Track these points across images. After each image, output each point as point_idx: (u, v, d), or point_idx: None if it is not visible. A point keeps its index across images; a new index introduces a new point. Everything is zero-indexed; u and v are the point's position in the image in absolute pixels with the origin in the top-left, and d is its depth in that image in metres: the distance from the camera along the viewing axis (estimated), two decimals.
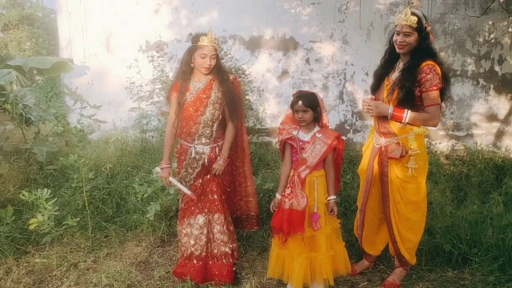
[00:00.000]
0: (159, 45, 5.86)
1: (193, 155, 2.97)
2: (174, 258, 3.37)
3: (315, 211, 2.75)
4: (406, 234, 2.85)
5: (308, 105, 2.74)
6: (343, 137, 5.91)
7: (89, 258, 3.36)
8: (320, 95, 6.05)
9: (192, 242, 3.00)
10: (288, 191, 2.76)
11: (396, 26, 2.70)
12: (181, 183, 3.02)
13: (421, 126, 2.72)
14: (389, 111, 2.66)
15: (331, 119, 5.99)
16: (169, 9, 6.12)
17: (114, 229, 3.72)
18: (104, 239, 3.65)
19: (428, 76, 2.58)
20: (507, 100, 5.51)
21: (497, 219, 3.50)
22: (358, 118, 5.92)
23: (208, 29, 3.02)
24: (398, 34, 2.66)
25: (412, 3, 5.02)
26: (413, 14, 2.61)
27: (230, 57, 5.42)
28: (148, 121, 5.54)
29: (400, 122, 2.68)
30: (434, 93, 2.60)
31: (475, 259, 3.11)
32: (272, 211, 2.86)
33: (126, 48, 6.01)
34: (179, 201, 3.19)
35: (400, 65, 2.76)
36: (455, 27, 5.48)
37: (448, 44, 5.51)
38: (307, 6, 5.83)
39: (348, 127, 5.95)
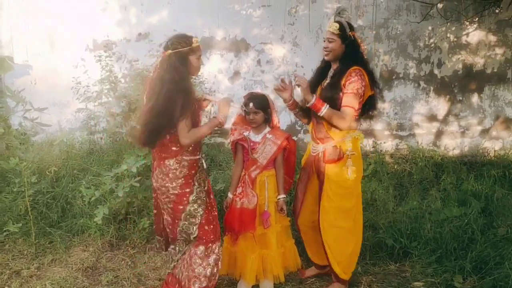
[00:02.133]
0: (107, 45, 5.72)
1: (205, 166, 2.69)
2: (123, 262, 3.31)
3: (265, 209, 2.81)
4: (333, 244, 2.76)
5: (259, 107, 2.81)
6: (294, 138, 6.06)
7: (32, 265, 3.23)
8: (272, 96, 6.13)
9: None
10: (239, 190, 2.81)
11: None
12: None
13: (334, 126, 2.70)
14: (312, 100, 2.65)
15: (282, 120, 6.08)
16: (117, 7, 5.97)
17: (59, 235, 3.59)
18: (49, 245, 3.52)
19: (353, 79, 2.62)
20: (445, 102, 5.84)
21: (435, 214, 3.72)
22: None
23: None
24: (324, 41, 2.80)
25: (344, 11, 5.28)
26: (336, 21, 2.75)
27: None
28: (97, 122, 5.39)
29: (317, 113, 2.67)
30: (351, 96, 2.62)
31: (415, 252, 3.29)
32: (225, 210, 2.90)
33: (72, 47, 5.80)
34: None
35: (331, 73, 2.82)
36: (398, 32, 5.75)
37: (392, 48, 5.77)
38: (257, 8, 5.90)
39: (299, 128, 6.07)
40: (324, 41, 2.79)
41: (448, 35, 5.74)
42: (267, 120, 2.90)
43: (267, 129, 2.88)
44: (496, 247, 3.23)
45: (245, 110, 2.83)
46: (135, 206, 3.81)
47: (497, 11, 5.48)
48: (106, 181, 3.58)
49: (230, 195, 2.89)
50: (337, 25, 2.70)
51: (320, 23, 5.84)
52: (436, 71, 5.80)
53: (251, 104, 2.80)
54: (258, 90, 5.91)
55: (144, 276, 3.14)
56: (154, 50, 5.40)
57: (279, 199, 2.87)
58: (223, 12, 5.86)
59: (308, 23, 5.86)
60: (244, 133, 2.84)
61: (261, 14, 5.91)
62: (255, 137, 2.85)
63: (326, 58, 2.80)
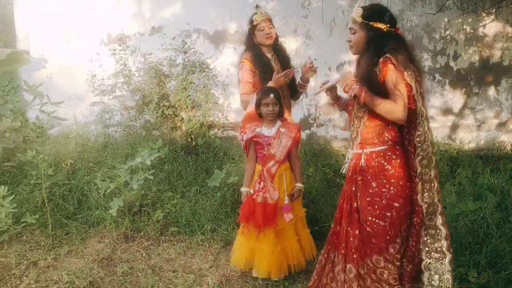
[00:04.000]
0: (121, 38, 5.77)
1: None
2: (137, 253, 3.36)
3: (285, 202, 2.83)
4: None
5: (278, 98, 2.83)
6: (307, 131, 6.06)
7: (49, 256, 3.30)
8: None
9: None
10: (260, 186, 2.81)
11: None
12: None
13: None
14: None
15: (294, 113, 6.05)
16: (131, 1, 6.00)
17: (76, 226, 3.66)
18: (65, 236, 3.58)
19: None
20: (461, 95, 5.75)
21: (450, 208, 3.68)
22: (321, 112, 6.03)
23: None
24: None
25: None
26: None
27: (194, 51, 5.40)
28: (111, 115, 5.46)
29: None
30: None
31: None
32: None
33: (87, 41, 5.85)
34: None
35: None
36: (413, 24, 5.67)
37: (407, 40, 5.67)
38: (271, 0, 5.87)
39: (312, 121, 6.05)
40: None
41: (465, 26, 5.63)
42: (280, 113, 2.91)
43: (279, 122, 2.88)
44: (511, 241, 3.19)
45: (261, 104, 2.83)
46: (149, 199, 3.86)
47: None
48: (120, 173, 3.63)
49: (245, 189, 2.89)
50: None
51: (334, 16, 5.79)
52: (452, 64, 5.71)
53: (271, 95, 2.81)
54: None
55: (158, 267, 3.18)
56: (167, 43, 5.43)
57: (296, 186, 2.90)
58: (235, 4, 5.84)
59: (321, 16, 5.81)
60: (256, 130, 2.85)
61: (274, 6, 5.87)
62: (268, 132, 2.86)
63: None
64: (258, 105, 2.86)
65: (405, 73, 2.14)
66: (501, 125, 5.75)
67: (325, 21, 5.83)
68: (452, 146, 5.59)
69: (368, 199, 2.27)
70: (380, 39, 2.19)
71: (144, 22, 6.02)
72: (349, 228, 2.35)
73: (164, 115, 5.19)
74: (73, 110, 5.79)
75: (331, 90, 2.53)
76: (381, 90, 2.18)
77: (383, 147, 2.27)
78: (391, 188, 2.23)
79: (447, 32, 5.68)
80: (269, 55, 3.18)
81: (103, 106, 5.48)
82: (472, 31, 5.63)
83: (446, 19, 5.63)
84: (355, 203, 2.34)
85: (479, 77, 5.70)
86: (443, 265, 2.21)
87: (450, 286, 2.20)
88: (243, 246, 2.92)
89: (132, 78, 5.42)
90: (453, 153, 5.36)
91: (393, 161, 2.25)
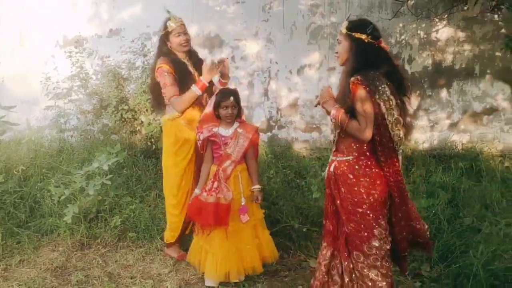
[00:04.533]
0: (78, 40, 5.62)
1: None
2: (94, 261, 3.27)
3: (242, 203, 2.83)
4: None
5: (237, 101, 2.84)
6: (269, 133, 6.10)
7: None
8: (246, 92, 6.17)
9: None
10: (214, 185, 2.80)
11: None
12: None
13: None
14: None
15: (256, 116, 6.13)
16: (88, 2, 5.87)
17: (28, 235, 3.52)
18: (16, 245, 3.44)
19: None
20: (415, 97, 5.96)
21: None
22: (282, 115, 6.09)
23: None
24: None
25: None
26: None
27: (154, 54, 5.31)
28: (67, 120, 5.30)
29: None
30: None
31: None
32: None
33: (42, 44, 5.68)
34: None
35: None
36: None
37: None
38: (232, 4, 5.88)
39: (273, 123, 6.10)
40: None
41: (419, 31, 5.85)
42: (238, 114, 2.93)
43: (236, 123, 2.90)
44: (461, 236, 3.33)
45: (221, 106, 2.83)
46: (106, 204, 3.77)
47: (465, 8, 5.62)
48: (76, 179, 3.52)
49: (197, 190, 2.87)
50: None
51: (294, 20, 5.87)
52: (407, 67, 5.90)
53: (231, 98, 2.82)
54: (232, 86, 5.89)
55: (115, 274, 3.11)
56: (126, 46, 5.33)
57: (254, 189, 2.90)
58: (197, 8, 5.82)
59: (282, 20, 5.88)
60: (214, 129, 2.85)
61: (235, 10, 5.89)
62: (225, 132, 2.87)
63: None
64: (216, 107, 2.86)
65: (376, 94, 2.23)
66: (453, 126, 6.00)
67: (286, 25, 5.90)
68: (407, 146, 5.78)
69: (338, 202, 2.42)
70: (361, 49, 2.30)
71: (102, 24, 5.90)
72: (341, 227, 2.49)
73: (123, 119, 5.09)
74: (27, 114, 5.60)
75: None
76: (354, 109, 2.29)
77: (349, 158, 2.38)
78: (354, 195, 2.35)
79: (402, 37, 5.88)
80: (184, 61, 3.16)
81: (58, 110, 5.31)
82: (425, 36, 5.86)
83: (401, 24, 5.83)
84: (334, 206, 2.49)
85: (432, 80, 5.93)
86: None
87: None
88: (196, 245, 2.90)
89: (89, 81, 5.29)
90: (408, 152, 5.55)
91: (356, 171, 2.36)
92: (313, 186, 3.95)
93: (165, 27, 3.08)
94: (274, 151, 5.56)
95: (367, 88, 2.22)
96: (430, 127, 6.00)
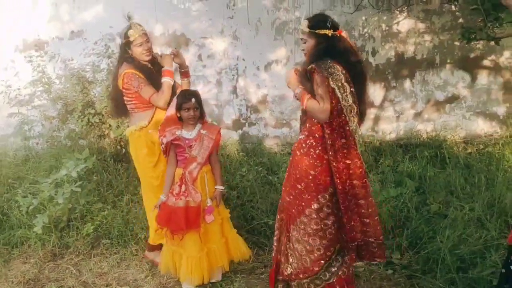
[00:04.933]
0: (38, 44, 5.46)
1: None
2: (67, 271, 3.21)
3: (208, 204, 2.84)
4: None
5: (199, 103, 2.83)
6: (240, 131, 6.12)
7: None
8: (214, 90, 6.14)
9: None
10: (182, 189, 2.80)
11: None
12: None
13: None
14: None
15: (226, 113, 6.14)
16: (47, 4, 5.69)
17: None
18: None
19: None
20: (381, 88, 6.12)
21: (374, 195, 3.83)
22: (252, 112, 6.12)
23: None
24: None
25: None
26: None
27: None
28: (31, 127, 5.14)
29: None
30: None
31: None
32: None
33: (1, 49, 5.47)
34: None
35: None
36: None
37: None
38: (196, 2, 5.84)
39: (244, 121, 6.12)
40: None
41: (380, 24, 5.99)
42: (201, 116, 2.91)
43: (199, 125, 2.89)
44: (429, 223, 3.46)
45: (182, 108, 2.81)
46: (77, 212, 3.70)
47: (424, 0, 5.79)
48: (44, 188, 3.45)
49: (163, 197, 2.84)
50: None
51: (259, 16, 5.89)
52: (371, 59, 6.05)
53: (193, 100, 2.80)
54: (200, 85, 5.88)
55: (90, 283, 3.07)
56: (90, 48, 5.21)
57: (218, 188, 2.93)
58: (160, 7, 5.74)
59: (247, 16, 5.89)
60: (177, 132, 2.83)
61: (200, 8, 5.86)
62: (188, 135, 2.85)
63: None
64: (178, 109, 2.83)
65: (330, 79, 2.35)
66: (417, 115, 6.19)
67: (251, 21, 5.91)
68: (375, 137, 5.93)
69: (286, 174, 2.69)
70: (327, 44, 2.44)
71: (63, 26, 5.75)
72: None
73: (90, 123, 4.98)
74: None
75: None
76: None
77: (301, 136, 2.58)
78: (296, 171, 2.55)
79: (365, 30, 6.01)
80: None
81: (21, 117, 5.16)
82: (387, 28, 6.01)
83: (363, 18, 5.95)
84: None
85: (395, 71, 6.10)
86: None
87: None
88: (168, 252, 2.89)
89: (52, 86, 5.14)
90: (376, 144, 5.70)
91: (302, 149, 2.55)
92: None
93: (126, 36, 2.97)
94: (245, 149, 5.59)
95: (321, 74, 2.36)
96: (396, 117, 6.17)
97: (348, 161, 2.44)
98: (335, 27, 2.48)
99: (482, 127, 6.26)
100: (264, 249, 3.40)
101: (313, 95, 2.45)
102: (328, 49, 2.43)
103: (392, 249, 3.22)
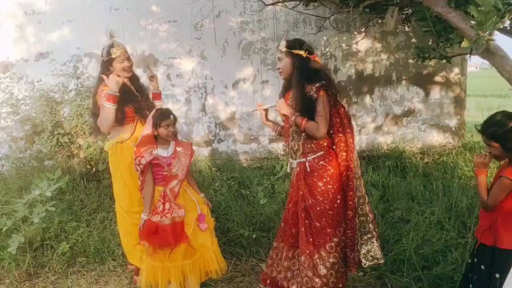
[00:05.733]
0: (5, 65, 5.40)
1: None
2: None
3: (199, 212, 2.92)
4: None
5: (175, 119, 2.93)
6: (209, 147, 6.25)
7: None
8: (183, 108, 6.25)
9: None
10: (166, 206, 2.84)
11: None
12: None
13: None
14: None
15: (195, 131, 6.26)
16: (12, 26, 5.67)
17: None
18: None
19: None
20: (344, 104, 6.43)
21: None
22: (221, 129, 6.27)
23: None
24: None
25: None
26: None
27: (88, 76, 5.27)
28: None
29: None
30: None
31: None
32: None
33: None
34: None
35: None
36: None
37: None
38: (163, 23, 5.99)
39: (213, 138, 6.26)
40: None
41: (341, 44, 6.36)
42: (175, 133, 2.99)
43: (172, 143, 2.95)
44: (394, 227, 3.70)
45: (162, 126, 2.87)
46: (51, 231, 3.68)
47: (380, 21, 6.21)
48: (18, 208, 3.41)
49: (144, 215, 2.87)
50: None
51: (226, 37, 6.11)
52: (333, 77, 6.37)
53: (171, 116, 2.89)
54: (169, 103, 5.98)
55: None
56: (58, 69, 5.23)
57: (203, 196, 3.04)
58: (128, 28, 5.84)
59: (214, 37, 6.09)
60: (154, 152, 2.86)
61: (168, 29, 6.01)
62: (165, 153, 2.90)
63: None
64: (156, 127, 2.87)
65: (331, 99, 2.64)
66: (378, 129, 6.56)
67: (218, 42, 6.12)
68: None
69: (317, 197, 2.64)
70: (302, 63, 2.66)
71: (29, 48, 5.74)
72: (301, 228, 2.70)
73: (59, 143, 4.96)
74: None
75: (266, 111, 2.96)
76: (312, 110, 2.61)
77: (322, 152, 2.67)
78: (335, 184, 2.64)
79: (327, 49, 6.35)
80: (128, 85, 3.19)
81: None
82: (347, 47, 6.38)
83: (325, 38, 6.30)
84: (303, 205, 2.69)
85: (356, 87, 6.46)
86: (373, 243, 2.69)
87: (379, 257, 2.70)
88: (149, 268, 2.90)
89: (19, 107, 5.09)
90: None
91: (331, 162, 2.66)
92: (259, 194, 4.14)
93: (109, 53, 3.05)
94: (216, 164, 5.71)
95: (328, 92, 2.61)
96: (358, 131, 6.50)
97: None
98: (310, 51, 2.71)
99: (436, 138, 6.70)
100: (241, 259, 3.51)
101: (307, 114, 2.59)
102: (303, 68, 2.64)
103: None
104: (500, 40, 3.12)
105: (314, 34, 5.98)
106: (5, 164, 5.28)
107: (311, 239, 2.66)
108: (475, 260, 2.37)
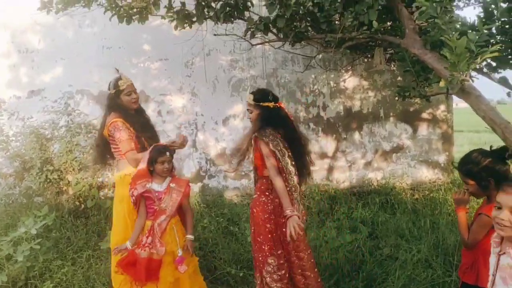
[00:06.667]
0: None
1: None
2: None
3: (179, 254, 2.92)
4: None
5: (172, 156, 2.98)
6: (200, 183, 6.24)
7: None
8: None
9: None
10: (148, 240, 2.87)
11: None
12: None
13: None
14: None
15: (186, 167, 6.28)
16: (6, 64, 5.78)
17: None
18: None
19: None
20: (332, 140, 6.53)
21: (331, 242, 4.11)
22: (212, 165, 6.30)
23: None
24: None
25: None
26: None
27: (78, 113, 5.34)
28: None
29: None
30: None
31: None
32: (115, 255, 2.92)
33: None
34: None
35: None
36: (286, 80, 6.38)
37: (282, 95, 6.36)
38: (155, 61, 6.13)
39: (203, 173, 6.27)
40: None
41: (329, 81, 6.51)
42: (171, 170, 3.05)
43: (168, 178, 3.01)
44: (382, 265, 3.68)
45: (158, 162, 2.93)
46: (36, 270, 3.62)
47: (365, 60, 6.39)
48: (2, 246, 3.38)
49: (128, 243, 2.90)
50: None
51: (216, 74, 6.25)
52: (322, 113, 6.49)
53: (168, 153, 2.94)
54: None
55: None
56: (49, 106, 5.29)
57: (187, 238, 3.01)
58: (120, 65, 5.89)
59: (204, 74, 6.22)
60: (147, 185, 2.94)
61: (159, 67, 6.14)
62: (158, 187, 2.96)
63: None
64: (152, 162, 2.95)
65: (270, 144, 2.86)
66: (367, 164, 6.61)
67: (209, 79, 6.25)
68: (330, 186, 6.24)
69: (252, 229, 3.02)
70: (268, 114, 2.96)
71: (22, 86, 5.82)
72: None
73: (48, 180, 4.96)
74: None
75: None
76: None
77: (255, 195, 3.04)
78: (255, 227, 2.98)
79: (315, 87, 6.49)
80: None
81: None
82: (335, 85, 6.53)
83: (313, 76, 6.46)
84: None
85: (345, 124, 6.56)
86: None
87: None
88: None
89: (9, 144, 5.12)
90: (332, 192, 6.00)
91: (258, 206, 2.98)
92: (247, 231, 4.13)
93: (116, 85, 3.16)
94: (206, 200, 5.71)
95: (263, 140, 2.87)
96: (348, 167, 6.55)
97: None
98: (275, 99, 3.00)
99: (426, 174, 6.75)
100: None
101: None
102: (270, 119, 2.94)
103: None
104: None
105: (302, 72, 6.13)
106: None
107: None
108: None
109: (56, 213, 4.53)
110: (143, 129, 3.22)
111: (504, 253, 1.72)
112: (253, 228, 3.02)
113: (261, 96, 3.01)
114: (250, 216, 3.09)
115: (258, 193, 3.02)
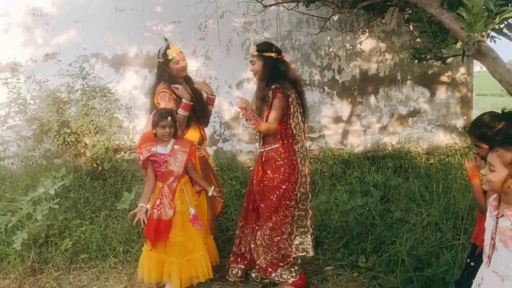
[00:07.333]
0: (13, 66, 5.54)
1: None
2: (47, 285, 3.29)
3: (192, 213, 3.01)
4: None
5: (174, 121, 3.00)
6: (214, 147, 6.31)
7: None
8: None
9: None
10: (157, 202, 2.96)
11: None
12: None
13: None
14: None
15: None
16: (20, 28, 5.80)
17: None
18: None
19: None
20: (347, 104, 6.45)
21: (341, 205, 4.16)
22: (226, 128, 6.33)
23: None
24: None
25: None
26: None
27: (93, 76, 5.38)
28: (6, 147, 5.19)
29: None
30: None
31: (325, 241, 3.67)
32: (144, 221, 2.99)
33: None
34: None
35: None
36: (301, 43, 6.26)
37: (297, 58, 6.26)
38: (168, 24, 6.07)
39: (218, 137, 6.32)
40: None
41: (345, 44, 6.36)
42: (175, 134, 3.07)
43: (172, 141, 3.04)
44: (391, 228, 3.71)
45: (159, 126, 2.96)
46: (55, 228, 3.78)
47: (383, 21, 6.19)
48: (22, 206, 3.52)
49: (141, 204, 2.95)
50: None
51: (230, 37, 6.16)
52: (337, 77, 6.39)
53: (169, 118, 2.97)
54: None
55: None
56: (64, 69, 5.34)
57: (210, 192, 3.12)
58: (133, 29, 5.94)
59: (218, 37, 6.14)
60: (152, 149, 2.98)
61: (172, 30, 6.08)
62: (163, 150, 3.00)
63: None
64: (155, 126, 2.98)
65: (289, 99, 2.89)
66: (383, 129, 6.55)
67: (222, 42, 6.18)
68: (344, 150, 6.23)
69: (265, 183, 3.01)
70: (272, 64, 2.94)
71: (37, 49, 5.87)
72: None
73: (66, 143, 5.08)
74: None
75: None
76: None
77: (276, 145, 2.97)
78: (280, 175, 2.96)
79: (331, 49, 6.36)
80: (182, 85, 3.28)
81: None
82: (351, 47, 6.38)
83: (328, 38, 6.31)
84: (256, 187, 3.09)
85: (361, 87, 6.46)
86: (307, 238, 3.05)
87: (309, 250, 3.07)
88: (151, 259, 3.01)
89: (27, 107, 5.23)
90: (345, 156, 5.99)
91: (282, 155, 2.96)
92: None
93: (165, 54, 3.18)
94: (220, 164, 5.77)
95: (283, 93, 2.86)
96: (363, 131, 6.50)
97: None
98: (279, 51, 2.98)
99: (442, 139, 6.66)
100: None
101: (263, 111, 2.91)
102: (274, 69, 2.93)
103: (358, 253, 3.45)
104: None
105: (317, 34, 6.00)
106: (15, 162, 5.42)
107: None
108: (472, 264, 2.30)
109: (74, 174, 4.67)
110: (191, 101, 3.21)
111: (503, 215, 1.72)
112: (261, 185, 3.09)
113: (264, 46, 3.01)
114: None
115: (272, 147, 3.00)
